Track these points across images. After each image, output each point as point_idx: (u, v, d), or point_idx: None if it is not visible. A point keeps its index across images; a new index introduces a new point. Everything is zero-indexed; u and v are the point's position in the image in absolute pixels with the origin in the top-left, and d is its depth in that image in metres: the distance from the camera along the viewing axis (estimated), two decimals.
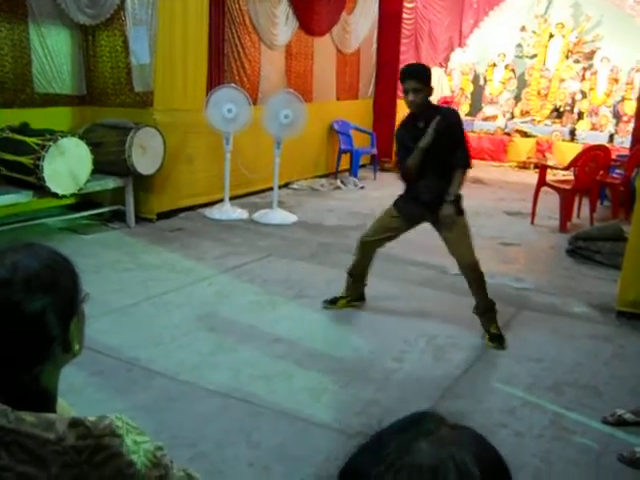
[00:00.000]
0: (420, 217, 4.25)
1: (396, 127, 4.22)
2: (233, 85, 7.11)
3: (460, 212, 4.16)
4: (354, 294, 4.58)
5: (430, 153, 3.95)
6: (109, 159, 6.06)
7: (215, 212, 6.97)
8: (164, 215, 6.71)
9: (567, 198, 7.16)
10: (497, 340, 4.11)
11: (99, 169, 5.96)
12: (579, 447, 3.00)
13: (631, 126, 11.12)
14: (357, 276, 4.53)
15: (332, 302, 4.56)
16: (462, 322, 4.41)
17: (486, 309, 4.21)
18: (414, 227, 4.35)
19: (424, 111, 3.98)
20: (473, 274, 4.14)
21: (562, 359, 3.93)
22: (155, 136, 6.27)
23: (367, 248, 4.39)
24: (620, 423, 3.18)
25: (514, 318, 4.57)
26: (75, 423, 1.02)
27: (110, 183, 6.15)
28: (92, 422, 1.04)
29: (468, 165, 4.14)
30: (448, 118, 4.01)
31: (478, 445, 0.73)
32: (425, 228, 6.72)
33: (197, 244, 5.93)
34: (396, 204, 4.28)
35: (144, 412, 3.07)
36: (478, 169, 11.42)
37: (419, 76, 3.94)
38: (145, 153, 6.16)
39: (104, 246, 5.74)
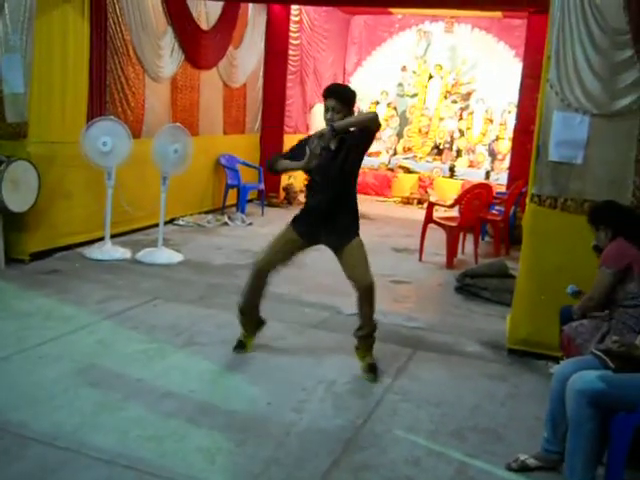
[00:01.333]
0: (317, 237, 4.13)
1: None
2: (111, 117, 6.76)
3: (357, 233, 4.13)
4: (253, 327, 4.42)
5: (334, 171, 3.93)
6: None
7: (95, 252, 6.54)
8: (38, 255, 6.20)
9: (453, 235, 7.32)
10: (374, 371, 4.12)
11: None
12: None
13: (505, 164, 11.71)
14: (251, 310, 4.36)
15: (241, 347, 4.35)
16: (359, 366, 4.30)
17: (371, 331, 4.18)
18: (311, 246, 4.23)
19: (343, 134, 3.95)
20: (371, 295, 4.07)
21: (461, 402, 3.90)
22: (28, 170, 5.82)
23: (263, 273, 4.18)
24: (524, 469, 3.16)
25: (410, 359, 4.52)
26: None
27: None
28: None
29: (375, 119, 3.97)
30: (358, 137, 3.98)
31: None
32: (319, 267, 6.65)
33: (75, 287, 5.50)
34: (292, 221, 4.19)
35: None
36: (363, 204, 11.48)
37: (341, 96, 3.95)
38: (17, 188, 5.70)
39: None
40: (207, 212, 9.33)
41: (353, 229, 4.11)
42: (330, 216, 4.04)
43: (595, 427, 2.80)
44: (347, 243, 4.06)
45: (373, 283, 4.07)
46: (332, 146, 3.99)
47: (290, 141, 10.75)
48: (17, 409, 3.37)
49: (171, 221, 8.30)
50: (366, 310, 4.13)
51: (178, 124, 6.93)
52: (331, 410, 3.67)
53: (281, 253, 4.17)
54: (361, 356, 4.22)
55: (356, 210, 4.13)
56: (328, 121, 3.92)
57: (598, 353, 2.94)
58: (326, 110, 3.95)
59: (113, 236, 6.80)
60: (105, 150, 6.37)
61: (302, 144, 4.05)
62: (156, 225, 6.94)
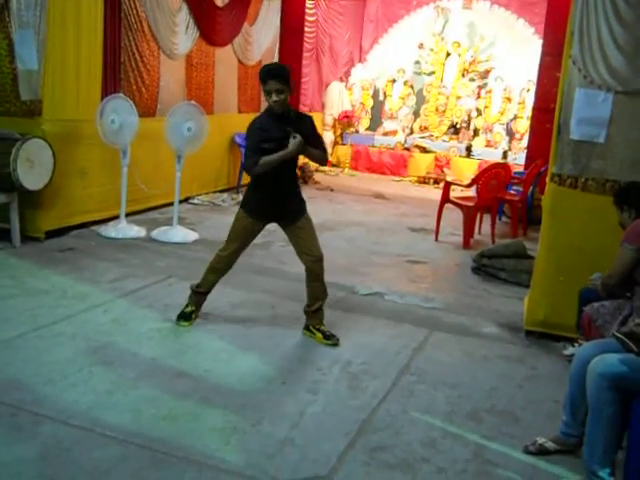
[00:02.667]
0: (272, 217, 4.27)
1: (251, 123, 4.13)
2: (120, 95, 6.69)
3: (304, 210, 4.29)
4: (199, 308, 4.50)
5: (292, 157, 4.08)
6: None
7: (110, 230, 6.53)
8: (53, 234, 6.19)
9: (470, 215, 7.23)
10: (332, 337, 4.28)
11: None
12: None
13: (523, 143, 11.56)
14: (205, 293, 4.47)
15: (187, 319, 4.39)
16: (373, 346, 4.29)
17: (322, 304, 4.34)
18: (266, 225, 4.35)
19: (288, 113, 4.03)
20: (322, 267, 4.26)
21: (477, 384, 3.86)
22: (44, 148, 5.79)
23: (226, 262, 4.38)
24: (542, 452, 3.12)
25: (427, 340, 4.47)
26: None
27: None
28: None
29: (327, 159, 4.39)
30: (311, 125, 4.18)
31: None
32: (334, 247, 6.61)
33: (90, 266, 5.49)
34: (245, 207, 4.25)
35: (31, 465, 2.71)
36: (379, 183, 11.51)
37: (282, 76, 3.92)
38: (32, 167, 5.67)
39: None
40: (222, 191, 9.31)
41: (303, 205, 4.29)
42: (286, 195, 4.21)
43: (616, 411, 2.75)
44: (301, 217, 4.22)
45: (322, 255, 4.27)
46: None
47: None
48: (32, 387, 3.36)
49: (186, 200, 8.28)
50: (320, 283, 4.30)
51: (192, 102, 6.85)
52: (346, 391, 3.64)
53: (243, 240, 4.33)
54: (316, 328, 4.32)
55: (300, 189, 4.39)
56: (274, 104, 3.92)
57: (620, 336, 2.88)
58: (268, 93, 3.91)
59: (128, 214, 6.77)
60: (114, 128, 6.32)
61: (257, 138, 4.03)
62: (171, 204, 6.91)
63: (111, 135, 6.36)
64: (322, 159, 4.32)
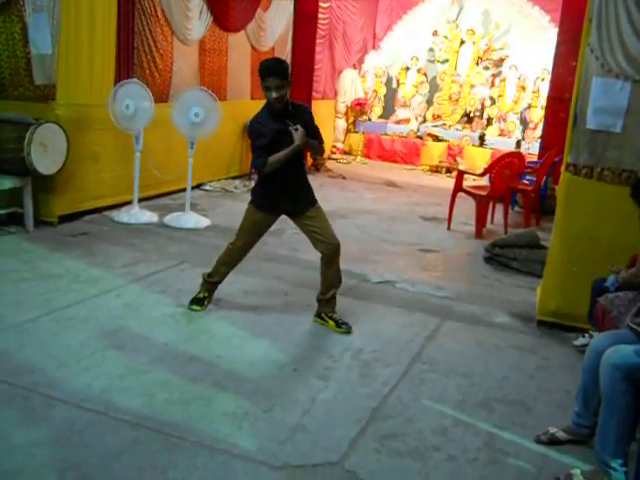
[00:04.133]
0: (282, 209, 4.26)
1: (251, 121, 4.17)
2: (134, 80, 6.69)
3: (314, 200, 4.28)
4: (211, 294, 4.51)
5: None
6: (5, 157, 5.55)
7: (123, 215, 6.54)
8: (66, 218, 6.22)
9: (483, 204, 7.19)
10: (344, 325, 4.27)
11: None
12: (515, 471, 2.90)
13: (537, 133, 11.47)
14: (217, 282, 4.48)
15: (198, 303, 4.40)
16: (385, 334, 4.29)
17: (336, 292, 4.34)
18: (278, 218, 4.34)
19: (289, 108, 4.02)
20: (339, 254, 4.25)
21: (489, 373, 3.85)
22: (57, 133, 5.80)
23: (237, 254, 4.40)
24: (553, 442, 3.11)
25: (438, 329, 4.47)
26: None
27: (6, 183, 5.62)
28: None
29: (323, 150, 4.44)
30: (309, 115, 4.15)
31: None
32: (345, 235, 6.61)
33: (103, 250, 5.51)
34: (254, 202, 4.26)
35: (45, 447, 2.74)
36: (391, 172, 11.48)
37: (282, 72, 3.90)
38: (46, 151, 5.68)
39: None
40: (234, 177, 9.31)
41: (312, 195, 4.27)
42: (295, 187, 4.19)
43: (629, 402, 2.73)
44: (310, 207, 4.21)
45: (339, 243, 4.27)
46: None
47: (318, 106, 10.67)
48: (44, 370, 3.39)
49: (198, 186, 8.28)
50: (336, 271, 4.30)
51: (203, 87, 6.83)
52: (358, 378, 3.64)
53: (253, 234, 4.35)
54: (329, 316, 4.32)
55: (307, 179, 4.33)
56: (275, 100, 3.90)
57: (635, 327, 2.86)
58: (267, 89, 3.89)
59: (141, 200, 6.79)
60: (128, 113, 6.32)
61: (262, 134, 4.02)
62: (183, 190, 6.92)
63: (125, 120, 6.36)
64: (319, 150, 4.32)
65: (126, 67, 6.97)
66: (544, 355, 4.19)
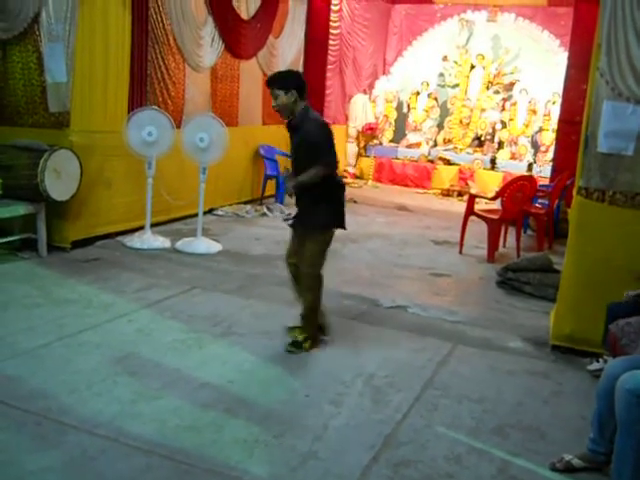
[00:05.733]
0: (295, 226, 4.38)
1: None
2: (155, 107, 6.79)
3: (327, 227, 4.29)
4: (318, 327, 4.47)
5: (298, 165, 4.16)
6: (20, 183, 5.61)
7: (135, 241, 6.58)
8: (79, 244, 6.27)
9: (495, 228, 7.17)
10: (295, 345, 4.24)
11: (8, 194, 5.57)
12: None
13: (549, 156, 11.47)
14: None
15: (295, 345, 4.29)
16: (397, 360, 4.26)
17: (307, 313, 4.32)
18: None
19: (292, 118, 4.12)
20: (304, 282, 4.29)
21: (502, 398, 3.81)
22: (71, 159, 5.87)
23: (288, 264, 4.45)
24: (569, 469, 3.06)
25: (451, 354, 4.43)
26: None
27: (20, 209, 5.68)
28: None
29: (328, 165, 4.11)
30: (306, 135, 4.07)
31: None
32: (357, 259, 6.63)
33: (115, 276, 5.54)
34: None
35: (57, 474, 2.73)
36: (403, 196, 11.49)
37: (277, 82, 4.08)
38: (59, 177, 5.75)
39: (12, 278, 5.27)
40: (246, 202, 9.33)
41: (316, 221, 4.24)
42: (301, 208, 4.31)
43: None
44: (310, 231, 4.25)
45: (311, 274, 4.27)
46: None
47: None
48: (56, 396, 3.39)
49: (210, 211, 8.32)
50: (307, 296, 4.32)
51: (210, 113, 6.90)
52: (370, 404, 3.61)
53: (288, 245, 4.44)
54: (294, 331, 4.34)
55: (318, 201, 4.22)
56: (273, 108, 4.15)
57: None
58: (274, 98, 4.10)
59: (153, 225, 6.83)
60: (150, 140, 6.38)
61: None
62: (195, 215, 6.95)
63: (144, 147, 6.42)
64: (316, 175, 4.07)
65: (139, 95, 7.05)
66: (558, 380, 4.14)
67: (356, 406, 3.57)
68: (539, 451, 3.24)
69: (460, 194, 11.57)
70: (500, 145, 12.62)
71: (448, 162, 12.33)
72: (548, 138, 11.98)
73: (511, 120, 12.60)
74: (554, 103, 11.80)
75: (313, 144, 4.04)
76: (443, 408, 3.64)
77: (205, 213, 7.33)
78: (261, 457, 3.00)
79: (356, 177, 12.83)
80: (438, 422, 3.47)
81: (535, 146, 12.36)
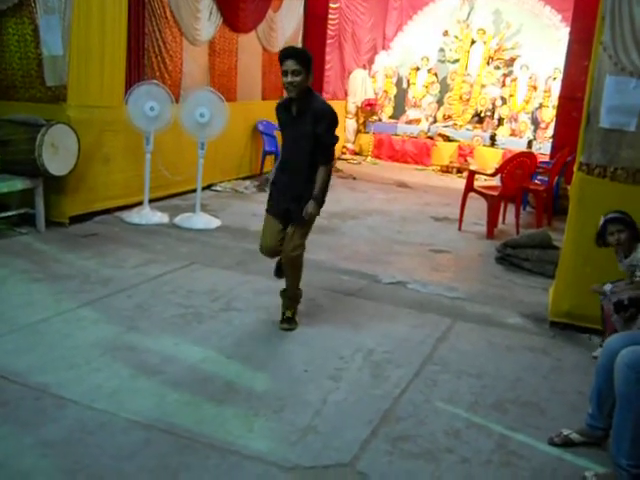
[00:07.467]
0: (287, 211, 4.07)
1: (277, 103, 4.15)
2: (155, 82, 6.72)
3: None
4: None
5: (299, 147, 3.93)
6: (17, 158, 5.57)
7: (134, 216, 6.55)
8: (78, 219, 6.23)
9: (494, 204, 7.15)
10: (287, 322, 4.20)
11: (6, 169, 5.52)
12: (528, 473, 2.86)
13: (549, 132, 11.41)
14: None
15: (289, 322, 4.24)
16: (396, 335, 4.26)
17: (292, 295, 4.25)
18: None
19: (301, 98, 3.88)
20: (290, 268, 4.16)
21: (502, 374, 3.82)
22: (68, 134, 5.82)
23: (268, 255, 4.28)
24: (567, 444, 3.08)
25: (450, 330, 4.44)
26: None
27: (18, 184, 5.65)
28: None
29: (328, 161, 4.01)
30: (318, 117, 3.88)
31: None
32: (356, 235, 6.62)
33: (114, 251, 5.52)
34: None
35: (55, 448, 2.73)
36: (402, 172, 11.44)
37: (299, 57, 3.81)
38: (57, 152, 5.70)
39: (10, 253, 5.25)
40: (244, 178, 9.30)
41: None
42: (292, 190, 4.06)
43: None
44: (310, 218, 4.04)
45: (295, 257, 4.11)
46: None
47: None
48: (56, 371, 3.38)
49: (208, 187, 8.28)
50: (292, 282, 4.24)
51: (210, 88, 6.83)
52: (369, 379, 3.62)
53: (276, 236, 4.12)
54: (283, 309, 4.26)
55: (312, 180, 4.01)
56: (288, 85, 3.80)
57: None
58: (284, 74, 3.80)
59: (151, 201, 6.79)
60: (152, 115, 6.33)
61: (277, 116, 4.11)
62: (194, 190, 6.92)
63: (144, 121, 6.36)
64: (328, 182, 4.02)
65: (137, 69, 6.98)
66: (557, 356, 4.15)
67: (355, 381, 3.58)
68: (538, 426, 3.25)
69: (459, 171, 11.53)
70: (500, 121, 12.55)
71: (448, 139, 12.27)
72: (548, 115, 11.92)
73: (511, 96, 12.52)
74: (555, 79, 11.72)
75: (327, 145, 3.95)
76: (442, 383, 3.64)
77: (204, 189, 7.30)
78: (261, 432, 3.00)
79: (355, 153, 12.77)
80: (437, 397, 3.47)
81: (535, 123, 12.29)
